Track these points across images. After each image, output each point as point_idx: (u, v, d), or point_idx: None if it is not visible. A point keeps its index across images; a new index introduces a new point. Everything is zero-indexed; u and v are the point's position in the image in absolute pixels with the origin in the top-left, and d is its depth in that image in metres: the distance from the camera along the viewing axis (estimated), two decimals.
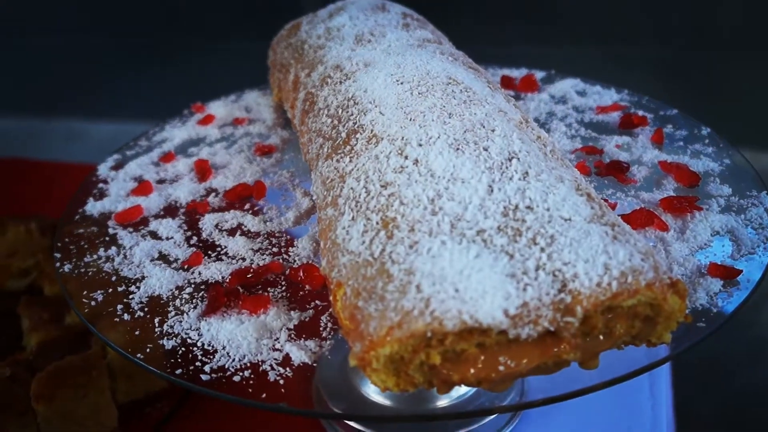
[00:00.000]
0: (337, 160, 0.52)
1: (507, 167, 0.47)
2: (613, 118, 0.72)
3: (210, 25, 1.65)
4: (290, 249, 0.56)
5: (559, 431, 0.65)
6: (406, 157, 0.48)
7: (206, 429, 0.67)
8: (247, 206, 0.62)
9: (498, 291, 0.39)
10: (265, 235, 0.58)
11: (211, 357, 0.46)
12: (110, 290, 0.53)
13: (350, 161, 0.51)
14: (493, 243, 0.42)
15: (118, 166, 0.70)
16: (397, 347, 0.39)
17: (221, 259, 0.55)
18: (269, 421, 0.66)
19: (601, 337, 0.42)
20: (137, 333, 0.49)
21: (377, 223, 0.45)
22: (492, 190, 0.45)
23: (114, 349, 0.48)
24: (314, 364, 0.46)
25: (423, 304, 0.39)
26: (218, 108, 0.78)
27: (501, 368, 0.41)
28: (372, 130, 0.52)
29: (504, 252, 0.42)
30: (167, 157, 0.70)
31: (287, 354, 0.46)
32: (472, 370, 0.41)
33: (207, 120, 0.76)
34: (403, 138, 0.50)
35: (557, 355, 0.41)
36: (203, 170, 0.66)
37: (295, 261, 0.54)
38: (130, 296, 0.52)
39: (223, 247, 0.57)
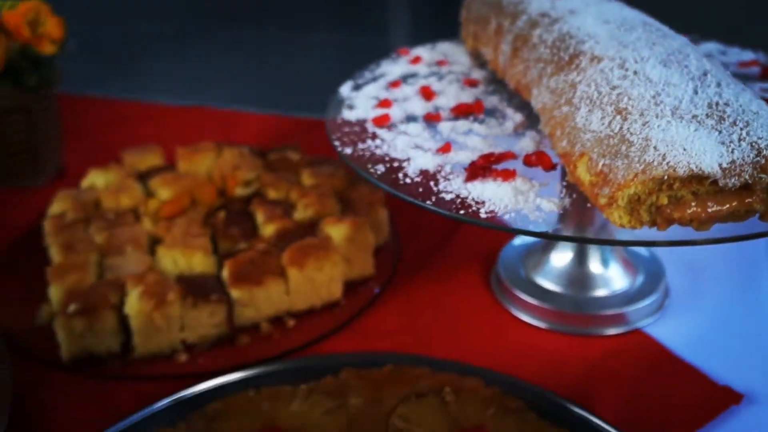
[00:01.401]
0: (565, 75, 0.69)
1: (704, 79, 0.64)
2: (753, 71, 0.87)
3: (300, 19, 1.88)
4: (516, 146, 0.73)
5: (698, 321, 0.80)
6: (626, 70, 0.65)
7: (404, 309, 0.83)
8: (470, 118, 0.79)
9: (714, 151, 0.56)
10: (493, 137, 0.75)
11: (482, 205, 0.64)
12: (388, 165, 0.71)
13: (577, 75, 0.68)
14: (705, 123, 0.59)
15: (355, 89, 0.88)
16: (640, 188, 0.56)
17: (465, 150, 0.72)
18: (456, 307, 0.83)
19: None
20: (420, 190, 0.66)
21: (611, 111, 0.62)
22: (697, 92, 0.62)
23: (405, 199, 0.65)
24: (561, 212, 0.63)
25: (660, 157, 0.56)
26: (421, 52, 0.96)
27: (709, 210, 0.57)
28: (593, 53, 0.69)
29: (714, 129, 0.58)
30: (395, 84, 0.87)
31: (539, 204, 0.63)
32: (688, 211, 0.57)
33: (416, 60, 0.93)
34: (620, 57, 0.67)
35: (749, 204, 0.57)
36: (428, 93, 0.84)
37: (523, 152, 0.71)
38: (405, 169, 0.70)
39: (463, 142, 0.74)
